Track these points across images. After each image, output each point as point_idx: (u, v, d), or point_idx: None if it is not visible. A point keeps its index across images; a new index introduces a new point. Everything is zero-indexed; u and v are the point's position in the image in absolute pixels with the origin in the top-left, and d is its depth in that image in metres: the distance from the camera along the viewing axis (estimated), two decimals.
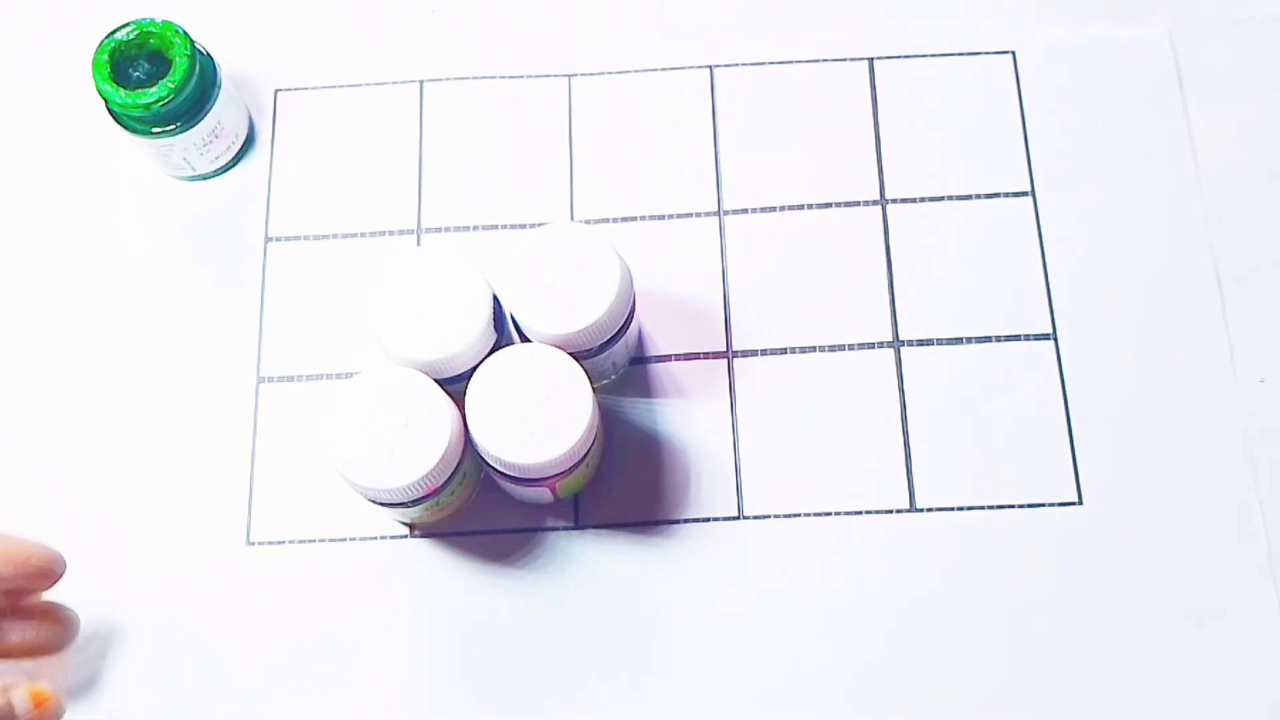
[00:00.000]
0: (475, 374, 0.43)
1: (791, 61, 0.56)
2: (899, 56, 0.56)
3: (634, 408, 0.51)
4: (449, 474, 0.44)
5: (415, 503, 0.44)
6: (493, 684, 0.48)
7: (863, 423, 0.51)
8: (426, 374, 0.45)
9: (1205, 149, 0.54)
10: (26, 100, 0.57)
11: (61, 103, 0.56)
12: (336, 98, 0.56)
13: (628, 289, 0.45)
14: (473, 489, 0.49)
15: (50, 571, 0.45)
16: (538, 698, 0.48)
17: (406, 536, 0.50)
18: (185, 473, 0.51)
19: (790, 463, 0.50)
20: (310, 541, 0.50)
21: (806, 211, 0.54)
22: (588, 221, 0.54)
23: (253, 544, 0.50)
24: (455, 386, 0.46)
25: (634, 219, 0.54)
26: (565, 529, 0.50)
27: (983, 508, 0.50)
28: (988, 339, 0.52)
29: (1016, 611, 0.48)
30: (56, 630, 0.46)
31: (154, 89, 0.50)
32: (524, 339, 0.46)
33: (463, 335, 0.44)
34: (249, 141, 0.55)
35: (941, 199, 0.54)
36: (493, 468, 0.44)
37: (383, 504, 0.45)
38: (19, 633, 0.45)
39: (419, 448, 0.42)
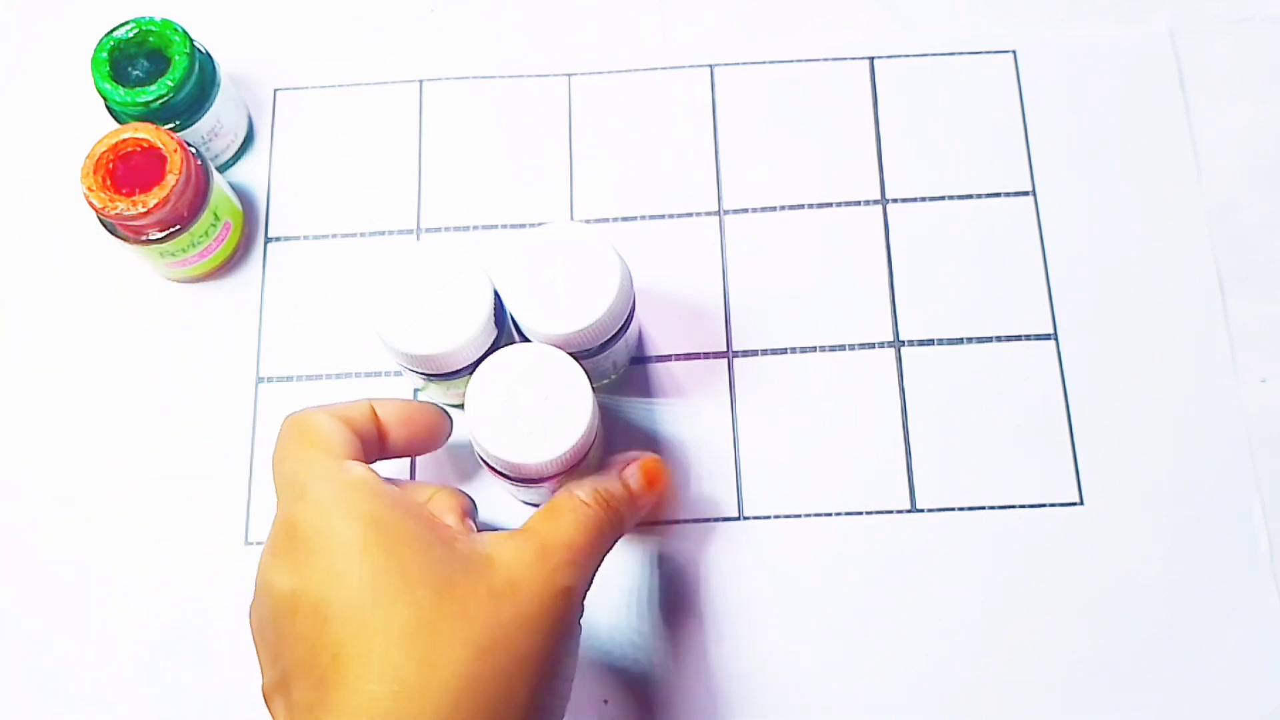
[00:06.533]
0: (475, 374, 0.43)
1: (791, 61, 0.56)
2: (900, 56, 0.56)
3: (634, 408, 0.51)
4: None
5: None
6: None
7: (863, 423, 0.51)
8: (425, 369, 0.45)
9: (1206, 149, 0.54)
10: (26, 99, 0.56)
11: (61, 101, 0.56)
12: (336, 97, 0.56)
13: (628, 289, 0.45)
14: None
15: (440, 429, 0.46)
16: None
17: None
18: (184, 472, 0.51)
19: (790, 463, 0.50)
20: None
21: (806, 211, 0.54)
22: (588, 221, 0.54)
23: (251, 544, 0.50)
24: (455, 382, 0.46)
25: (634, 219, 0.54)
26: None
27: (983, 508, 0.49)
28: (988, 339, 0.52)
29: (1016, 611, 0.48)
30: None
31: (153, 87, 0.50)
32: (524, 339, 0.46)
33: (463, 330, 0.44)
34: (248, 141, 0.55)
35: (942, 199, 0.53)
36: (493, 468, 0.44)
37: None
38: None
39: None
